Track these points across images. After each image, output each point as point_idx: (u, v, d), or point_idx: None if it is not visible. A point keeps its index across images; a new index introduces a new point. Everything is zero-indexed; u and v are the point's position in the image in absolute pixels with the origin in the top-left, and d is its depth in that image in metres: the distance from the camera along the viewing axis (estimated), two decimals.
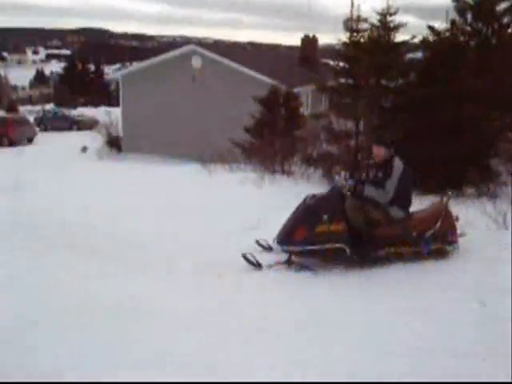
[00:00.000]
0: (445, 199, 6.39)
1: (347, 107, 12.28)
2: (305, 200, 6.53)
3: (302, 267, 6.25)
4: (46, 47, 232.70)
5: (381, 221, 6.33)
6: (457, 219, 6.20)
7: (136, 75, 23.92)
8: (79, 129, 32.94)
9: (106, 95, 59.39)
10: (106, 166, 18.97)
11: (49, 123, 34.76)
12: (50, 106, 53.30)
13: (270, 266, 6.29)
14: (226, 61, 21.31)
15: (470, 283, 5.18)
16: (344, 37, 12.26)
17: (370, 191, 6.31)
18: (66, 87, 62.37)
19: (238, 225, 7.89)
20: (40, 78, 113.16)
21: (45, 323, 4.45)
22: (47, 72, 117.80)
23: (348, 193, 6.42)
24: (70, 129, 33.59)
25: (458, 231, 6.17)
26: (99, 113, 36.46)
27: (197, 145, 19.09)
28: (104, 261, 6.55)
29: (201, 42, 38.95)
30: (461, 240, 6.14)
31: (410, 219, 6.36)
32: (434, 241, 6.11)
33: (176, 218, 8.76)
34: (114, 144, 23.81)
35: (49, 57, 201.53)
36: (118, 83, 25.89)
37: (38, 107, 55.17)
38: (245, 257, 6.31)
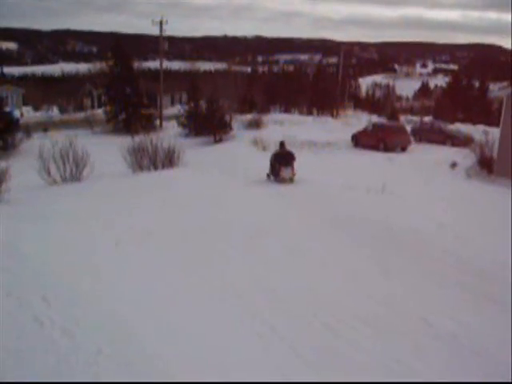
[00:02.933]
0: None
1: None
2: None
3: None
4: (435, 61, 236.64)
5: (276, 167, 17.00)
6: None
7: None
8: (453, 144, 32.63)
9: (486, 114, 57.29)
10: (473, 187, 18.54)
11: (423, 135, 35.49)
12: (428, 118, 54.38)
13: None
14: None
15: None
16: None
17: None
18: (448, 101, 62.52)
19: None
20: (424, 91, 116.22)
21: None
22: (432, 85, 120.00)
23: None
24: (443, 143, 33.61)
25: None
26: (476, 131, 35.49)
27: None
28: None
29: None
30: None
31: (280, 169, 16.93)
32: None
33: None
34: (486, 165, 22.91)
35: (436, 71, 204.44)
36: (501, 102, 24.69)
37: (417, 118, 56.96)
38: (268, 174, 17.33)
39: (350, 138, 31.89)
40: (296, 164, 17.35)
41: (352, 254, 9.51)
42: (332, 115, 56.78)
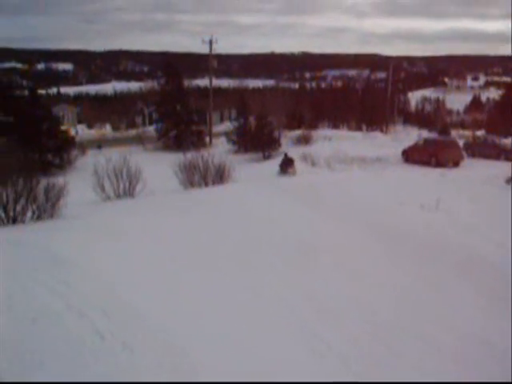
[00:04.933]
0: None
1: None
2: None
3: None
4: (486, 74, 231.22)
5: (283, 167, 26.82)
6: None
7: None
8: (507, 159, 31.78)
9: None
10: None
11: (476, 149, 34.67)
12: (480, 133, 53.14)
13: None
14: None
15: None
16: None
17: None
18: (501, 115, 60.89)
19: None
20: (475, 104, 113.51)
21: None
22: (483, 98, 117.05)
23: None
24: (497, 158, 32.76)
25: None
26: None
27: None
28: None
29: None
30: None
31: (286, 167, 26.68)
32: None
33: None
34: None
35: (487, 83, 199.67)
36: None
37: (468, 132, 55.73)
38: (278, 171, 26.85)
39: (400, 154, 31.49)
40: (346, 180, 17.23)
41: (404, 271, 9.35)
42: (381, 130, 56.25)
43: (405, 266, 9.56)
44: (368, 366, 5.82)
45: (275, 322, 6.75)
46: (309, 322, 6.78)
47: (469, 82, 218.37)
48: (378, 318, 6.98)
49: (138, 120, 66.35)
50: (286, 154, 27.51)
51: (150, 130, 48.08)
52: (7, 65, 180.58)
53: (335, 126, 62.01)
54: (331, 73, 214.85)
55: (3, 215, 14.34)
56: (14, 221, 14.44)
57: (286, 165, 26.32)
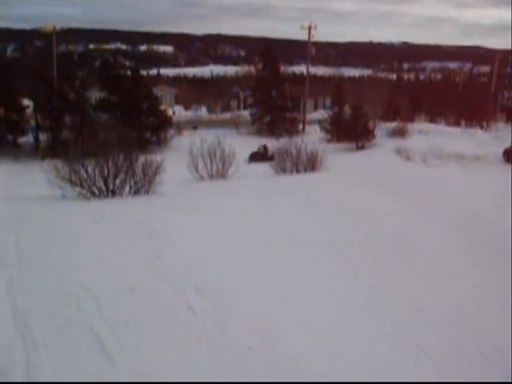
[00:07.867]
0: None
1: None
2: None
3: None
4: None
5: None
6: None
7: None
8: None
9: None
10: None
11: None
12: None
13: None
14: None
15: None
16: None
17: None
18: None
19: None
20: None
21: None
22: None
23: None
24: None
25: None
26: None
27: None
28: None
29: None
30: None
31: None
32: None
33: None
34: None
35: None
36: None
37: None
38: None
39: (501, 153, 29.86)
40: (443, 177, 16.55)
41: (495, 274, 8.87)
42: (481, 127, 53.54)
43: (497, 271, 9.08)
44: (463, 373, 5.57)
45: (366, 317, 6.62)
46: (402, 322, 6.59)
47: None
48: (482, 331, 6.66)
49: (233, 104, 67.16)
50: (264, 146, 28.57)
51: (245, 114, 48.59)
52: (113, 46, 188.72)
53: (432, 120, 59.59)
54: (431, 64, 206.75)
55: (103, 188, 15.01)
56: (113, 194, 15.09)
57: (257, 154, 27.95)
